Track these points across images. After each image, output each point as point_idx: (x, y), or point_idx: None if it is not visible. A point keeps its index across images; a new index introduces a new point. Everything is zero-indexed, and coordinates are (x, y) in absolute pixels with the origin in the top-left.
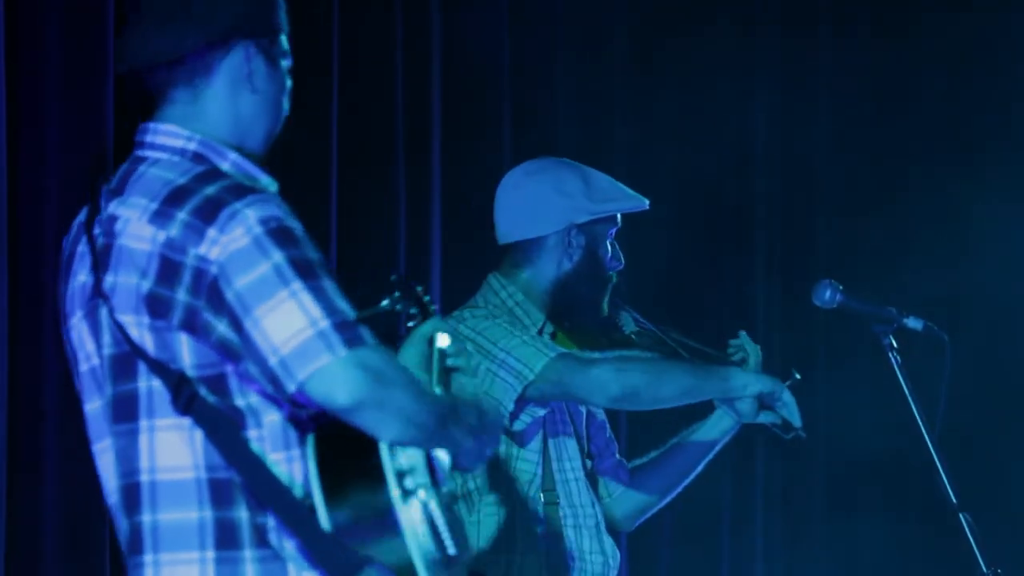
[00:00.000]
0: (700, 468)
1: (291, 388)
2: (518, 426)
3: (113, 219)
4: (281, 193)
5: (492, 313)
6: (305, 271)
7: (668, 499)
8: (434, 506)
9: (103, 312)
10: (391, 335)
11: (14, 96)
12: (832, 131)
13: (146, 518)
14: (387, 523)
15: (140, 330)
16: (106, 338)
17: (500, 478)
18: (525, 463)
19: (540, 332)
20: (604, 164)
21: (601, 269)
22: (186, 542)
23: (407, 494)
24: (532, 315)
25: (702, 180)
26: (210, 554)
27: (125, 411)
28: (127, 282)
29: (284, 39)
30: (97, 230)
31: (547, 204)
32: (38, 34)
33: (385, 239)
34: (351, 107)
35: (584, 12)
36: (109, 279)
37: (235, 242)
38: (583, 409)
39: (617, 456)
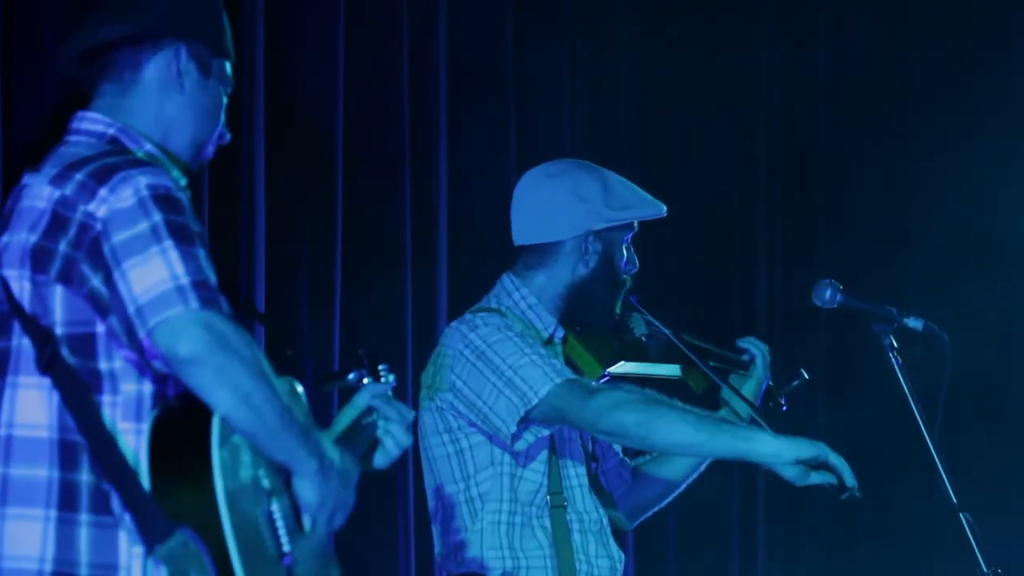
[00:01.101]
0: (703, 467)
1: (141, 335)
2: (520, 446)
3: (22, 187)
4: (287, 193)
5: (506, 323)
6: (180, 235)
7: (670, 498)
8: (277, 506)
9: None
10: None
11: (12, 94)
12: (832, 129)
13: None
14: (204, 497)
15: (21, 283)
16: None
17: (504, 486)
18: (532, 473)
19: (552, 336)
20: (609, 165)
21: (616, 274)
22: (34, 499)
23: (250, 487)
24: (544, 319)
25: (705, 181)
26: (53, 513)
27: None
28: (18, 238)
29: (228, 66)
30: (9, 203)
31: (565, 209)
32: (37, 34)
33: (391, 240)
34: (357, 108)
35: (588, 10)
36: (4, 239)
37: (121, 202)
38: None
39: (620, 456)
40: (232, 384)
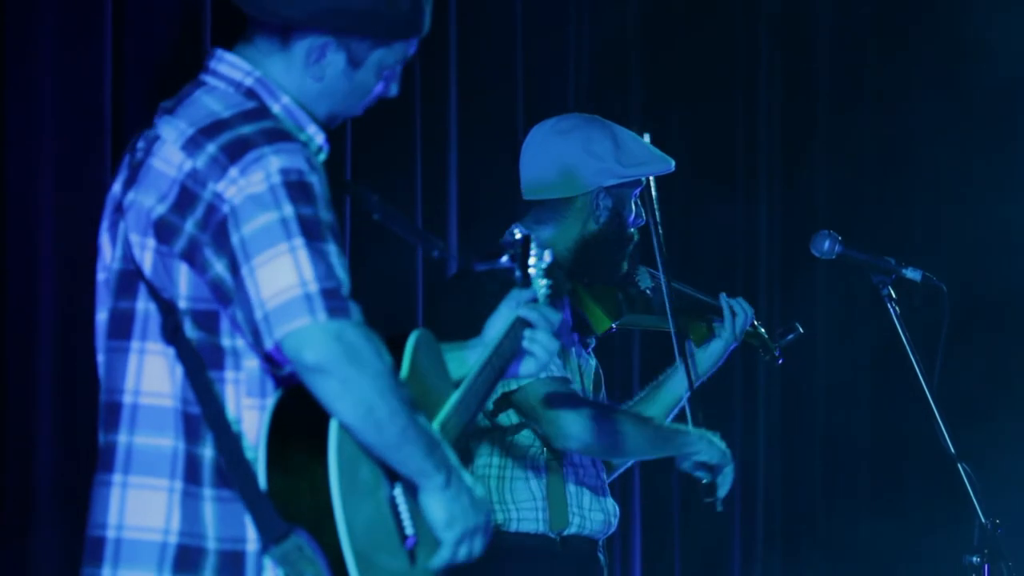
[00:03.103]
0: (673, 415)
1: (268, 345)
2: (503, 420)
3: (155, 138)
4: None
5: None
6: (311, 230)
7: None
8: (400, 489)
9: (121, 226)
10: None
11: (7, 92)
12: (832, 82)
13: (122, 438)
14: (320, 498)
15: (143, 251)
16: (118, 252)
17: (496, 439)
18: (527, 427)
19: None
20: (615, 111)
21: (625, 229)
22: (158, 468)
23: (371, 474)
24: None
25: (707, 134)
26: (179, 485)
27: (121, 328)
28: (144, 202)
29: (404, 46)
30: (141, 144)
31: (577, 166)
32: (31, 32)
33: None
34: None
35: None
36: (131, 196)
37: (252, 186)
38: (592, 372)
39: None
40: (356, 397)
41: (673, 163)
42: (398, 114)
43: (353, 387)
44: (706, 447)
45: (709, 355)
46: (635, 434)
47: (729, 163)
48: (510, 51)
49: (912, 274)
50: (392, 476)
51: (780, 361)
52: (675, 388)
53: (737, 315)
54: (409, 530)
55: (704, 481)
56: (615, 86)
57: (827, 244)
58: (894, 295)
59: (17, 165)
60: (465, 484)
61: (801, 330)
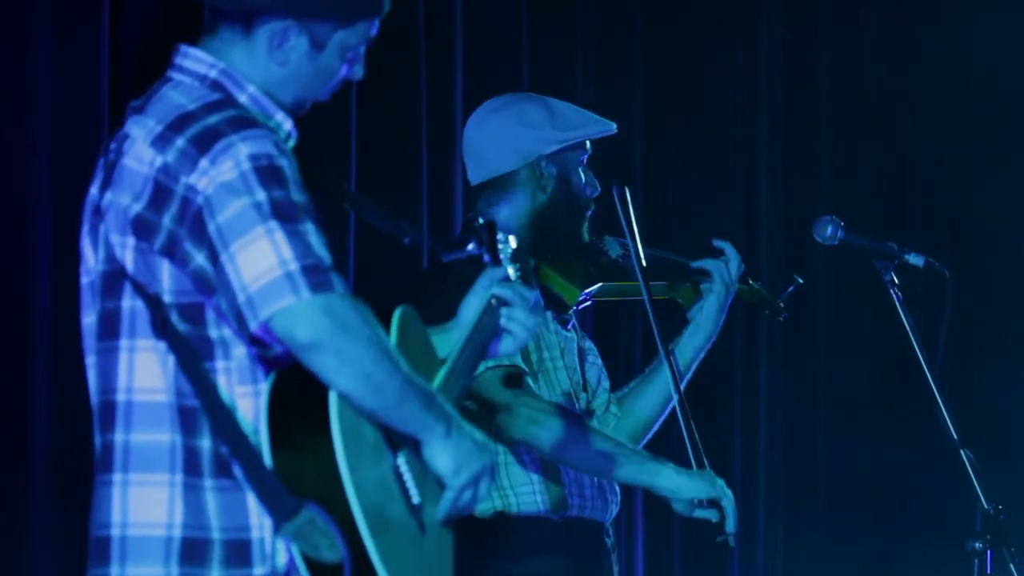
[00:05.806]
0: (689, 376)
1: (253, 326)
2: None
3: (125, 137)
4: (300, 125)
5: None
6: (284, 213)
7: (666, 414)
8: (403, 459)
9: (101, 228)
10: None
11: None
12: (834, 65)
13: (119, 437)
14: (328, 470)
15: (123, 250)
16: (101, 254)
17: (492, 422)
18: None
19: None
20: (619, 94)
21: (576, 197)
22: (157, 464)
23: (374, 446)
24: None
25: (707, 119)
26: (179, 478)
27: (109, 328)
28: (120, 202)
29: (367, 26)
30: (113, 145)
31: (513, 138)
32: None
33: (407, 178)
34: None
35: None
36: (107, 196)
37: (223, 175)
38: (574, 347)
39: (608, 392)
40: (352, 366)
41: (614, 126)
42: (404, 106)
43: (348, 357)
44: (691, 483)
45: (707, 314)
46: (591, 440)
47: (729, 149)
48: (515, 39)
49: (915, 260)
50: (394, 446)
51: (784, 316)
52: (684, 353)
53: (731, 259)
54: (416, 499)
55: (713, 520)
56: (619, 72)
57: (829, 230)
58: (897, 281)
59: (14, 162)
60: (465, 431)
61: (800, 281)
